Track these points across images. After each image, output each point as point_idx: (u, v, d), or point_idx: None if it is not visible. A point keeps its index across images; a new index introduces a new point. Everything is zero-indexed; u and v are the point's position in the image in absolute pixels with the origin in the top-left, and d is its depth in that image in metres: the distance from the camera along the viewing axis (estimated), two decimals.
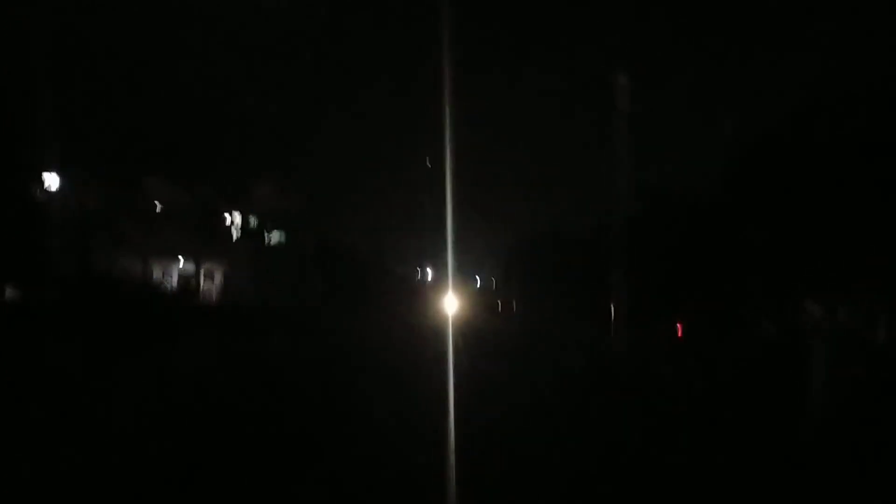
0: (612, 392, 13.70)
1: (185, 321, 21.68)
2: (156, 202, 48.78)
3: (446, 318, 25.99)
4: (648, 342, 23.19)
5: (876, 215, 19.38)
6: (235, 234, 50.05)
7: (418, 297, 54.91)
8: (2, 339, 14.43)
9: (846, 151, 20.72)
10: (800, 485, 7.09)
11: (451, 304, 29.23)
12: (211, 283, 42.42)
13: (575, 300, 35.97)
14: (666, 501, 6.52)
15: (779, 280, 23.25)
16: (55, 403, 9.41)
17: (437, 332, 23.38)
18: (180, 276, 41.71)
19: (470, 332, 26.64)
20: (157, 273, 39.78)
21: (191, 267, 41.95)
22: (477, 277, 73.38)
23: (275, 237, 50.99)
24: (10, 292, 22.29)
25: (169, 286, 34.30)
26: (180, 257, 41.85)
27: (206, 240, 43.34)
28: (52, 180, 24.86)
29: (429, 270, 69.25)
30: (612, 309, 22.01)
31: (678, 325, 27.16)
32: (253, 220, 51.55)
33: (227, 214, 51.13)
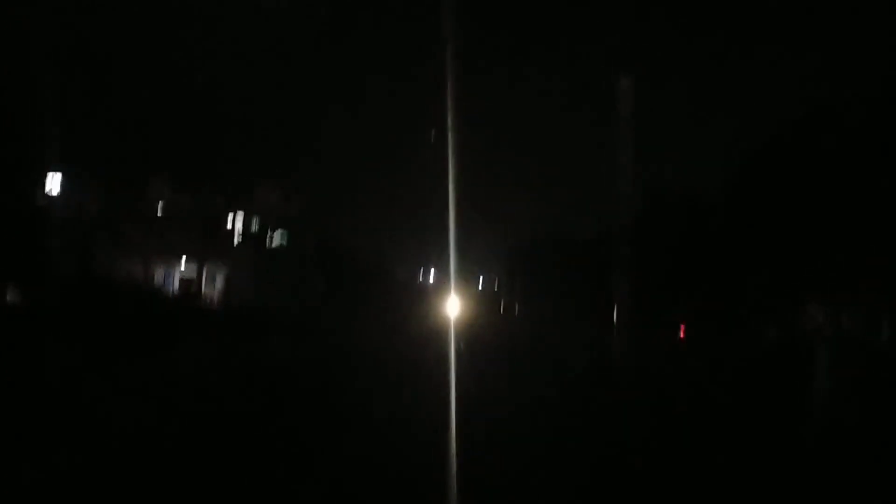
0: (612, 394, 13.68)
1: (186, 324, 21.65)
2: (157, 204, 48.84)
3: (448, 320, 25.94)
4: (651, 343, 23.16)
5: (878, 219, 19.35)
6: (237, 236, 50.08)
7: (420, 299, 54.87)
8: (2, 341, 14.42)
9: (849, 154, 20.70)
10: (802, 486, 7.06)
11: (452, 305, 29.18)
12: (212, 285, 42.42)
13: (577, 301, 35.94)
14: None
15: (781, 283, 23.21)
16: (56, 406, 9.40)
17: (439, 334, 23.34)
18: (182, 279, 41.72)
19: (472, 333, 26.60)
20: (158, 275, 39.79)
21: (192, 269, 41.95)
22: (479, 279, 73.32)
23: (276, 239, 50.99)
24: (11, 294, 22.30)
25: (170, 289, 34.30)
26: (182, 260, 41.86)
27: (208, 242, 43.35)
28: (54, 182, 24.90)
29: (431, 272, 69.19)
30: (615, 310, 22.02)
31: (681, 326, 27.13)
32: (255, 223, 51.58)
33: (228, 217, 51.16)
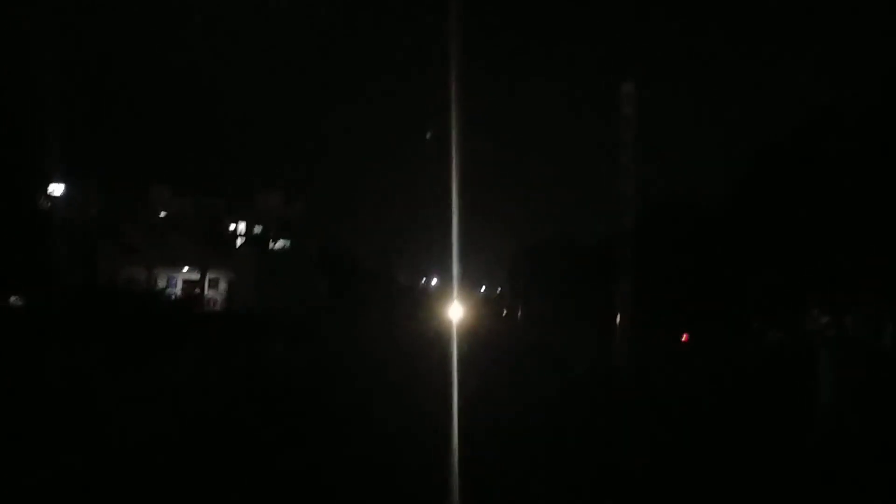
0: (614, 396, 13.66)
1: (189, 328, 21.68)
2: (160, 208, 48.97)
3: (451, 324, 25.94)
4: (654, 347, 23.12)
5: (881, 221, 19.33)
6: (240, 242, 50.17)
7: (423, 303, 54.87)
8: (7, 346, 14.47)
9: (851, 157, 20.70)
10: (804, 491, 7.05)
11: (455, 310, 29.18)
12: (215, 290, 42.51)
13: (580, 305, 35.91)
14: None
15: (785, 286, 23.19)
16: (59, 411, 9.43)
17: (443, 337, 23.34)
18: (185, 284, 41.82)
19: (474, 337, 26.59)
20: (161, 281, 39.88)
21: (195, 275, 42.06)
22: (482, 282, 73.32)
23: (280, 243, 51.10)
24: (15, 300, 22.39)
25: (173, 294, 34.38)
26: (185, 266, 41.96)
27: (211, 248, 43.47)
28: (58, 190, 25.00)
29: (434, 278, 69.20)
30: (618, 315, 21.98)
31: (684, 331, 27.09)
32: (257, 228, 51.70)
33: (231, 223, 51.29)
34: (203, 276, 41.99)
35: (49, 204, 24.53)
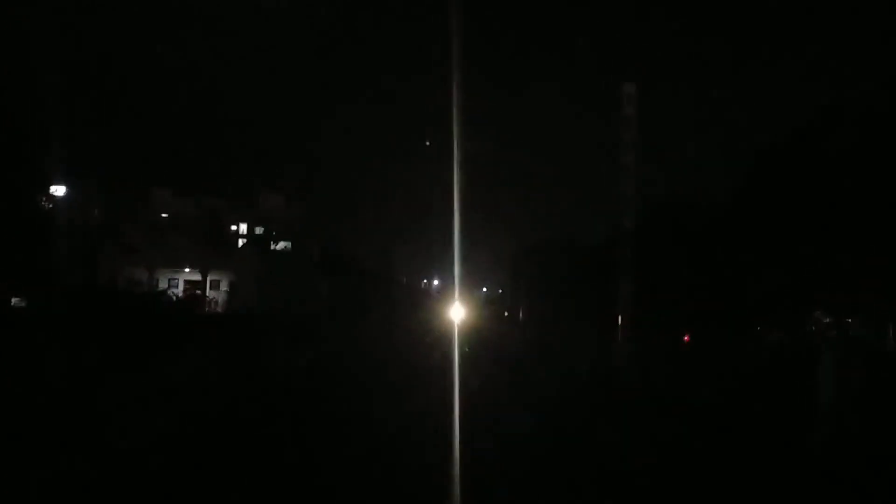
0: (615, 396, 13.65)
1: (190, 330, 21.69)
2: (162, 209, 48.98)
3: (451, 326, 25.97)
4: (656, 348, 23.10)
5: (884, 221, 19.29)
6: (241, 243, 50.18)
7: (424, 305, 54.84)
8: (7, 348, 14.47)
9: (853, 157, 20.67)
10: (805, 492, 7.04)
11: (456, 312, 29.20)
12: (216, 291, 42.53)
13: (580, 306, 35.88)
14: None
15: (787, 286, 23.15)
16: (60, 411, 9.43)
17: (444, 338, 23.36)
18: (186, 285, 41.83)
19: (476, 338, 26.59)
20: (162, 281, 39.88)
21: (196, 275, 42.07)
22: (484, 283, 73.30)
23: (280, 246, 51.11)
24: (17, 301, 22.39)
25: (174, 294, 34.34)
26: (186, 266, 41.98)
27: (212, 249, 43.47)
28: (59, 190, 25.01)
29: (435, 279, 69.21)
30: (619, 315, 21.96)
31: (685, 332, 27.06)
32: (258, 229, 51.72)
33: (232, 223, 51.30)
34: (204, 277, 42.01)
35: (50, 204, 24.54)
